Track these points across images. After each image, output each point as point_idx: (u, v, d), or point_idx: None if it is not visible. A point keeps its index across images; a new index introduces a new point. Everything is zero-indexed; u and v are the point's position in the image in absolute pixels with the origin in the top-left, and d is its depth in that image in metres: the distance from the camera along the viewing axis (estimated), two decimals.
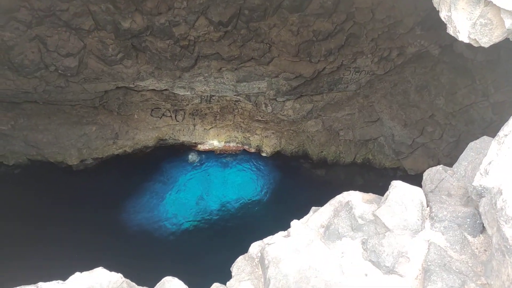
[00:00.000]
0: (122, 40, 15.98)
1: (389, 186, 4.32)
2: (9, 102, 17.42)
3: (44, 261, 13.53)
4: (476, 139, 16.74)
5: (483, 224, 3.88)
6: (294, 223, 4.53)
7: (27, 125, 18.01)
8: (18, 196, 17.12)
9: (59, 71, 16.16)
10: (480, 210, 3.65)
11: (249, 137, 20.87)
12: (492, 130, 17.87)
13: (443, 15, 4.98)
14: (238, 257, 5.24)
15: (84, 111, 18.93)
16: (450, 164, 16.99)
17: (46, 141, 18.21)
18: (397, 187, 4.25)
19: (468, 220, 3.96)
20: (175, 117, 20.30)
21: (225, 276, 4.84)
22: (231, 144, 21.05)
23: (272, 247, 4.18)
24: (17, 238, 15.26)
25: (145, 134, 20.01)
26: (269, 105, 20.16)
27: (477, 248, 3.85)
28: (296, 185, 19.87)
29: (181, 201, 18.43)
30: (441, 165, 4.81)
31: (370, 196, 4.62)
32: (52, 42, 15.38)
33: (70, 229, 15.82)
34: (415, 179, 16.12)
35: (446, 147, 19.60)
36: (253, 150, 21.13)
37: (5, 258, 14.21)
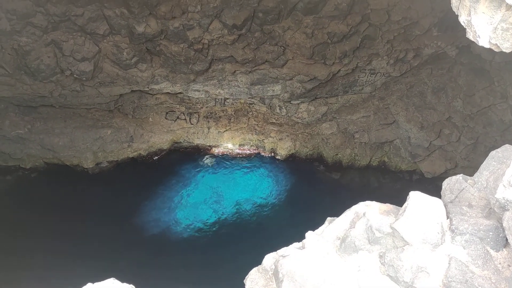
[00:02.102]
0: (137, 44, 16.04)
1: (407, 198, 4.18)
2: (26, 106, 17.65)
3: (58, 266, 13.67)
4: (494, 142, 16.39)
5: (506, 238, 3.73)
6: (309, 234, 4.42)
7: (44, 129, 18.22)
8: (35, 200, 17.29)
9: (75, 76, 16.29)
10: (504, 225, 3.50)
11: (264, 139, 20.79)
12: (511, 133, 17.50)
13: (462, 19, 4.83)
14: (251, 266, 5.15)
15: (100, 114, 19.07)
16: (468, 167, 16.66)
17: (62, 144, 18.39)
18: (416, 198, 4.11)
19: (491, 233, 3.81)
20: (190, 120, 20.33)
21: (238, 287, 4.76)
22: (245, 147, 21.00)
23: (287, 259, 4.08)
24: (32, 243, 15.38)
25: (160, 137, 20.09)
26: (283, 107, 20.05)
27: (500, 263, 3.69)
28: (311, 189, 19.69)
29: (195, 206, 18.41)
30: (461, 174, 4.65)
31: (387, 206, 4.48)
32: (67, 46, 15.51)
33: (85, 235, 15.93)
34: (432, 183, 15.88)
35: (464, 150, 19.25)
36: (267, 153, 21.05)
37: (20, 263, 14.39)
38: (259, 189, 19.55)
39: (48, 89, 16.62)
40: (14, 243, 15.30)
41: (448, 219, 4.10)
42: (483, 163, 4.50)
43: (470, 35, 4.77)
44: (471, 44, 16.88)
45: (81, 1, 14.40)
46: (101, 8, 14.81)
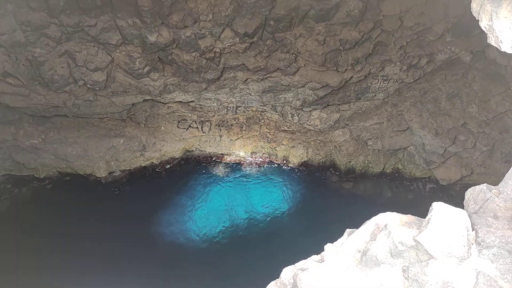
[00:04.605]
0: (149, 53, 16.10)
1: (430, 209, 4.04)
2: (40, 116, 17.79)
3: (73, 277, 13.68)
4: (511, 148, 16.07)
5: None
6: (328, 247, 4.30)
7: (57, 139, 18.34)
8: (52, 211, 17.33)
9: (88, 85, 16.39)
10: None
11: (276, 147, 20.68)
12: None
13: (483, 24, 4.71)
14: (268, 278, 5.04)
15: (112, 123, 19.16)
16: (484, 173, 16.46)
17: (75, 153, 18.49)
18: (439, 209, 3.97)
19: None
20: (202, 128, 20.32)
21: None
22: (258, 155, 20.90)
23: (306, 273, 3.96)
24: (48, 254, 15.42)
25: (172, 146, 20.10)
26: (295, 115, 19.94)
27: None
28: (324, 197, 19.50)
29: (208, 215, 18.31)
30: (485, 184, 4.50)
31: (409, 218, 4.34)
32: (80, 57, 15.62)
33: (100, 245, 15.96)
34: (446, 192, 15.70)
35: (480, 156, 18.93)
36: (279, 161, 20.92)
37: (34, 277, 14.43)
38: (273, 198, 19.41)
39: (61, 99, 16.74)
40: (31, 255, 15.36)
41: (474, 231, 3.95)
42: (509, 173, 4.35)
43: (491, 41, 4.65)
44: (485, 49, 16.66)
45: (94, 12, 14.50)
46: (114, 18, 14.89)
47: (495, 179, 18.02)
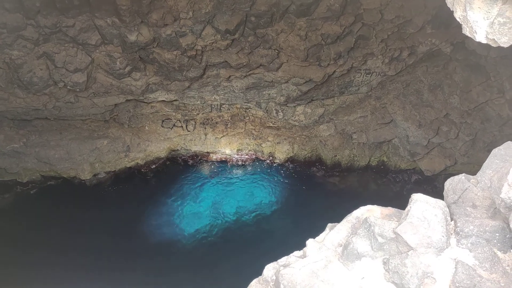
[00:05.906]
0: (130, 53, 15.92)
1: (410, 200, 4.05)
2: (20, 120, 17.49)
3: (62, 281, 13.55)
4: (493, 137, 16.30)
5: None
6: (310, 242, 4.29)
7: (39, 142, 18.06)
8: (36, 216, 17.08)
9: (68, 87, 16.15)
10: (510, 225, 3.38)
11: (261, 144, 20.65)
12: (509, 127, 17.42)
13: (458, 15, 4.72)
14: (252, 276, 5.01)
15: (95, 125, 18.93)
16: (468, 163, 16.58)
17: (58, 156, 18.23)
18: (418, 200, 3.98)
19: (497, 234, 3.68)
20: (186, 127, 20.20)
21: None
22: (243, 152, 20.85)
23: (288, 270, 3.94)
24: (36, 259, 15.19)
25: (157, 146, 19.94)
26: (280, 111, 19.94)
27: (508, 265, 3.56)
28: (310, 193, 19.54)
29: (194, 215, 18.23)
30: (464, 174, 4.52)
31: (389, 210, 4.35)
32: (59, 58, 15.38)
33: (87, 248, 15.83)
34: (431, 183, 15.80)
35: (463, 146, 19.16)
36: (265, 157, 20.90)
37: (25, 279, 14.23)
38: (258, 196, 19.39)
39: (42, 102, 16.48)
40: (20, 259, 15.14)
41: (453, 221, 3.97)
42: (486, 162, 4.38)
43: (466, 31, 4.66)
44: (465, 40, 16.83)
45: (71, 12, 14.28)
46: (92, 18, 14.70)
47: (478, 168, 18.11)
